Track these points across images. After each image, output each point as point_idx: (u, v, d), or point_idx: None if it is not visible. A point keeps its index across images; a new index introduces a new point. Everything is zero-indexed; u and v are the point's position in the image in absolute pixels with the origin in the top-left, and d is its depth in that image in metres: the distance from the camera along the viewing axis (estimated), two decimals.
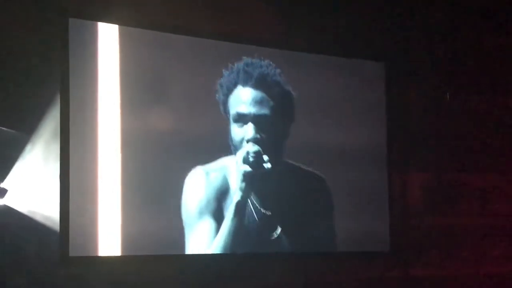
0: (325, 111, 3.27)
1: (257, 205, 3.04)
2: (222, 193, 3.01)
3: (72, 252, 2.72)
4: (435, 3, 3.61)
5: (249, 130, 3.01)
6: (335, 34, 3.35)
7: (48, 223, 2.70)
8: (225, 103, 3.03)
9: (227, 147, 3.02)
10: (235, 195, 3.00)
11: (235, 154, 3.02)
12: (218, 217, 2.98)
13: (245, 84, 3.04)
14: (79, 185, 2.74)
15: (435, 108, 3.59)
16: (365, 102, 3.39)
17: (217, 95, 3.02)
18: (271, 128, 3.05)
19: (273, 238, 3.08)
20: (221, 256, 2.97)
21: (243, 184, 2.99)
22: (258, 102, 3.04)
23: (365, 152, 3.36)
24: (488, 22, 3.76)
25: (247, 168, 2.99)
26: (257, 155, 3.00)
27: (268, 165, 3.01)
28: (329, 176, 3.22)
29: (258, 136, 3.02)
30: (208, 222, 2.96)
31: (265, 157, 3.01)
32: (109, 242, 2.77)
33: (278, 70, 3.10)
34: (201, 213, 2.96)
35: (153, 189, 2.88)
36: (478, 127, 3.69)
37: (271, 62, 3.10)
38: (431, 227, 3.51)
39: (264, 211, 3.06)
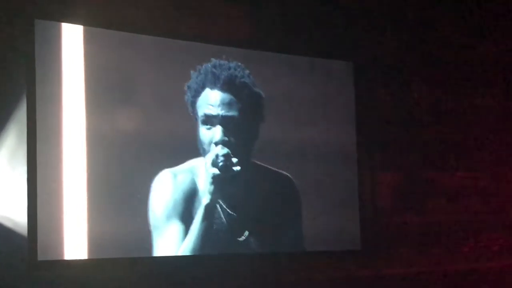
0: (294, 111, 3.27)
1: (225, 207, 3.04)
2: (190, 195, 2.99)
3: (41, 257, 2.68)
4: (404, 2, 3.64)
5: (217, 132, 3.00)
6: (304, 34, 3.36)
7: (15, 227, 2.66)
8: (193, 105, 3.01)
9: (195, 149, 3.00)
10: (204, 198, 2.99)
11: (203, 156, 3.00)
12: (186, 219, 2.96)
13: (213, 86, 3.03)
14: (45, 189, 2.70)
15: (404, 108, 3.61)
16: (334, 102, 3.39)
17: (185, 97, 3.01)
18: (239, 130, 3.04)
19: (241, 240, 3.07)
20: (189, 258, 2.95)
21: (212, 187, 2.98)
22: (226, 104, 3.02)
23: (334, 152, 3.36)
24: (457, 22, 3.80)
25: (216, 171, 2.98)
26: (227, 158, 2.99)
27: (237, 168, 3.00)
28: (298, 176, 3.22)
29: (226, 138, 3.01)
30: (176, 225, 2.94)
31: (234, 160, 3.00)
32: (76, 246, 2.73)
33: (246, 72, 3.10)
34: (168, 216, 2.94)
35: (120, 191, 2.84)
36: (446, 126, 3.73)
37: (239, 64, 3.10)
38: (401, 226, 3.53)
39: (232, 213, 3.04)
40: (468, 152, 3.78)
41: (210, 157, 2.98)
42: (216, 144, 2.99)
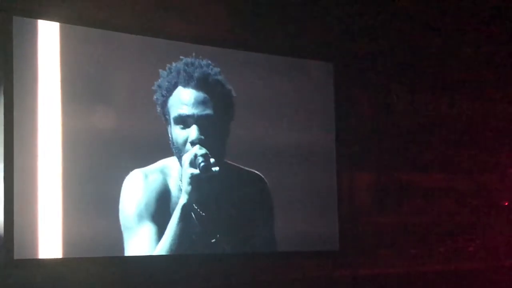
0: (271, 111, 3.26)
1: (196, 207, 3.02)
2: (162, 196, 2.96)
3: (17, 255, 2.65)
4: (384, 5, 3.66)
5: (192, 131, 2.97)
6: (283, 34, 3.36)
7: None
8: (164, 104, 2.98)
9: (167, 149, 2.98)
10: (181, 198, 2.96)
11: (177, 156, 2.98)
12: (158, 220, 2.93)
13: (186, 85, 3.00)
14: (21, 187, 2.68)
15: (382, 109, 3.63)
16: (313, 102, 3.39)
17: (154, 96, 2.97)
18: (214, 129, 3.02)
19: (213, 240, 3.05)
20: (163, 258, 2.94)
21: (190, 188, 2.95)
22: (200, 103, 3.00)
23: (313, 152, 3.37)
24: (434, 24, 3.83)
25: (195, 171, 2.95)
26: (206, 158, 2.96)
27: (216, 169, 2.97)
28: (275, 176, 3.21)
29: (202, 137, 2.98)
30: (149, 226, 2.91)
31: (212, 160, 2.98)
32: (51, 245, 2.72)
33: (218, 69, 3.07)
34: (140, 217, 2.91)
35: (95, 190, 2.82)
36: (424, 128, 3.75)
37: (209, 61, 3.07)
38: (379, 226, 3.55)
39: (203, 213, 3.02)
40: (445, 153, 3.80)
41: (188, 157, 2.95)
42: (193, 143, 2.96)
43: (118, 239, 2.88)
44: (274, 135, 3.26)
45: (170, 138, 2.99)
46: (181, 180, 2.99)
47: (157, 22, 3.04)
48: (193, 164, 2.95)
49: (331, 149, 3.41)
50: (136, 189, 2.91)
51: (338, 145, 3.43)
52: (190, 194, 2.96)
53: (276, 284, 3.23)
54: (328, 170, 3.40)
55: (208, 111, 3.01)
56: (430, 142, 3.76)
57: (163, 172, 2.97)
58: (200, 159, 2.95)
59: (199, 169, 2.95)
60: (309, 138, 3.37)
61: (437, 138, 3.78)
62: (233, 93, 3.11)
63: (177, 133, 2.98)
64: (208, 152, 2.97)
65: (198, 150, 2.96)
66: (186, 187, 2.96)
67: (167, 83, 2.98)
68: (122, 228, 2.88)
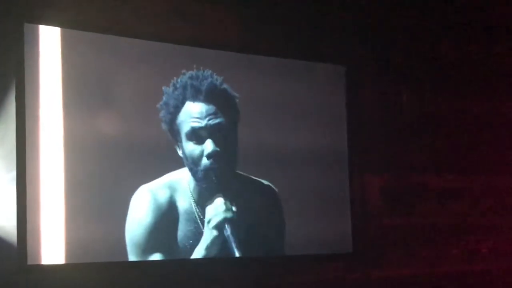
0: (282, 115, 3.25)
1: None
2: (171, 218, 2.95)
3: (30, 261, 2.67)
4: (394, 8, 3.64)
5: (208, 145, 2.96)
6: (294, 37, 3.36)
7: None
8: (173, 121, 2.95)
9: (172, 153, 2.96)
10: (204, 239, 2.96)
11: (190, 169, 2.96)
12: (167, 249, 2.92)
13: (194, 99, 2.98)
14: (30, 192, 2.68)
15: (394, 111, 3.62)
16: (325, 105, 3.39)
17: (160, 114, 2.94)
18: (226, 138, 3.01)
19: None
20: (168, 262, 2.94)
21: (216, 233, 2.99)
22: (212, 114, 2.98)
23: (325, 155, 3.37)
24: (444, 27, 3.81)
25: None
26: (232, 224, 2.98)
27: (234, 210, 3.00)
28: (286, 180, 3.20)
29: (218, 149, 2.97)
30: (158, 256, 2.90)
31: (230, 206, 2.97)
32: (57, 250, 2.72)
33: (221, 78, 3.04)
34: (150, 248, 2.88)
35: (98, 196, 2.81)
36: (436, 129, 3.74)
37: (210, 71, 3.03)
38: (391, 228, 3.55)
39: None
40: (458, 155, 3.79)
41: (215, 219, 2.97)
42: (209, 156, 2.95)
43: (121, 245, 2.85)
44: (285, 139, 3.26)
45: (183, 154, 2.96)
46: (194, 200, 2.99)
47: (162, 27, 3.01)
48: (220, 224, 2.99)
49: (343, 152, 3.41)
50: (144, 214, 2.88)
51: (350, 148, 3.42)
52: (214, 238, 2.98)
53: (289, 287, 3.23)
54: (340, 172, 3.40)
55: (219, 120, 2.99)
56: (441, 144, 3.75)
57: (171, 188, 2.95)
58: (229, 230, 2.97)
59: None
60: (321, 141, 3.37)
61: (448, 140, 3.77)
62: (238, 99, 3.08)
63: (191, 148, 2.96)
64: (232, 207, 2.99)
65: (225, 212, 2.99)
66: (211, 233, 2.98)
67: (174, 100, 2.95)
68: (128, 253, 2.85)
